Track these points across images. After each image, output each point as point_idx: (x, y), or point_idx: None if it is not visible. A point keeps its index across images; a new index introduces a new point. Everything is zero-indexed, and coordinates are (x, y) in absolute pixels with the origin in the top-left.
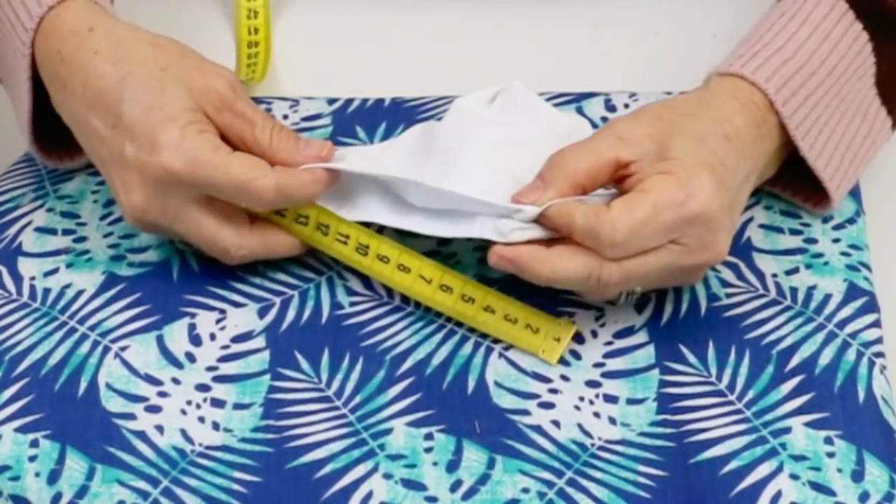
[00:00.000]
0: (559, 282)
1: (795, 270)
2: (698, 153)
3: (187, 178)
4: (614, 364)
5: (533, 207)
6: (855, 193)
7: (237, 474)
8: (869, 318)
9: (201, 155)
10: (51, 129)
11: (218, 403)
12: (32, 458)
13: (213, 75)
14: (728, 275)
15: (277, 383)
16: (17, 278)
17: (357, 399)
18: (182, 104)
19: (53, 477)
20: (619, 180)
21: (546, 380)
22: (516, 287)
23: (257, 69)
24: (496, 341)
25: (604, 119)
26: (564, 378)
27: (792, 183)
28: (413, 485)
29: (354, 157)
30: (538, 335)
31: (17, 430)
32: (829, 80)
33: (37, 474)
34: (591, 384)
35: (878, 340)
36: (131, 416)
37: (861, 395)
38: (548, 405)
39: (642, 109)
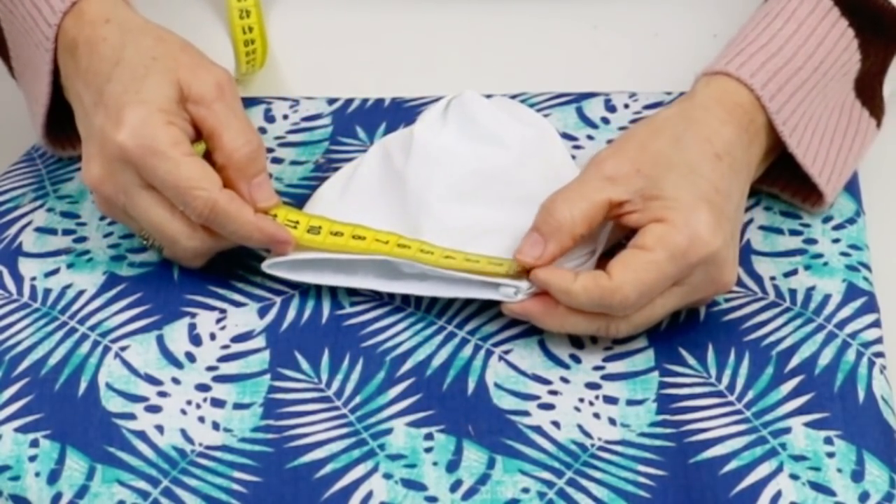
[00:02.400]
0: (570, 332)
1: (794, 272)
2: (693, 188)
3: (137, 161)
4: (614, 367)
5: (526, 283)
6: (855, 193)
7: (237, 474)
8: (869, 318)
9: (158, 144)
10: (59, 120)
11: (218, 403)
12: (32, 458)
13: (204, 71)
14: None
15: (277, 383)
16: (18, 278)
17: (357, 399)
18: (160, 92)
19: (53, 477)
20: (614, 218)
21: (546, 382)
22: None
23: (256, 62)
24: (496, 345)
25: (604, 120)
26: (564, 380)
27: (791, 183)
28: (413, 485)
29: (318, 207)
30: (501, 267)
31: (17, 429)
32: (816, 76)
33: (37, 474)
34: (591, 386)
35: (878, 340)
36: (131, 416)
37: (861, 395)
38: (548, 406)
39: (625, 139)
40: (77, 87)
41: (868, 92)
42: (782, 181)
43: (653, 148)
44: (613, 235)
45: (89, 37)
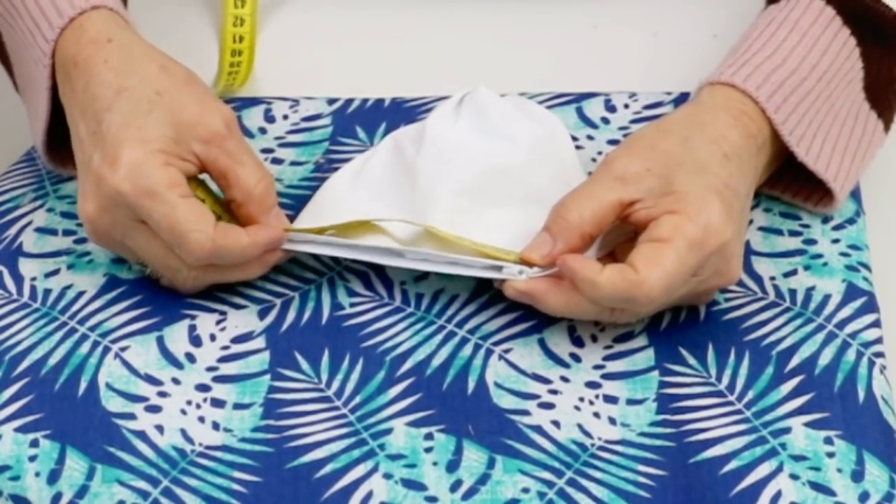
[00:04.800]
0: (572, 315)
1: (794, 272)
2: (703, 182)
3: (133, 203)
4: (614, 366)
5: (538, 270)
6: (855, 193)
7: (237, 474)
8: (868, 318)
9: (154, 186)
10: (60, 137)
11: (218, 403)
12: (32, 458)
13: (210, 109)
14: None
15: (277, 383)
16: (18, 279)
17: (357, 399)
18: (161, 131)
19: (53, 477)
20: (624, 218)
21: (546, 381)
22: None
23: (238, 77)
24: (496, 343)
25: (604, 120)
26: (564, 379)
27: (792, 183)
28: (413, 485)
29: (328, 196)
30: (509, 256)
31: (17, 429)
32: (819, 86)
33: (37, 474)
34: (591, 385)
35: (878, 340)
36: (131, 416)
37: (861, 395)
38: (548, 405)
39: (635, 140)
40: (73, 111)
41: (885, 103)
42: (783, 183)
43: (662, 148)
44: (612, 235)
45: (89, 56)
